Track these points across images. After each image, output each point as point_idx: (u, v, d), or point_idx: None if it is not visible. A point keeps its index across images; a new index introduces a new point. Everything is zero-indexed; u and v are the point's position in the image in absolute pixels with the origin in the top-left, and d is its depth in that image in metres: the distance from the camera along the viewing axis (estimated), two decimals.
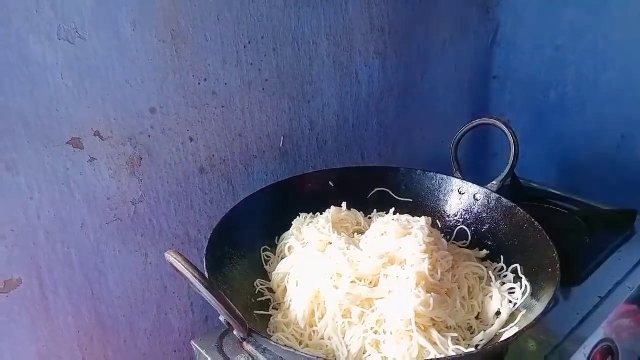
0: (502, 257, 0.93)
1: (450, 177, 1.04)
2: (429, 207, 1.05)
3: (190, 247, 1.05)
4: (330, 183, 1.07)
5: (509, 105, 1.60)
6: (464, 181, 1.03)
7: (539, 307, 0.75)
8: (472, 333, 0.81)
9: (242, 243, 0.92)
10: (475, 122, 1.04)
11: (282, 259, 0.94)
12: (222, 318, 0.70)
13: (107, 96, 0.86)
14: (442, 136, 1.47)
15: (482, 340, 0.78)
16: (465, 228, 1.00)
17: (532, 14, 1.46)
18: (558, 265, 0.79)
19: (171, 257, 0.65)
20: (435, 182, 1.05)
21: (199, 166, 1.02)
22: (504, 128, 0.98)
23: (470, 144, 1.53)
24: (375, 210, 1.06)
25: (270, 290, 0.91)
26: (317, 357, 0.66)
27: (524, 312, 0.79)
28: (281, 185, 1.04)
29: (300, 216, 1.00)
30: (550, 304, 0.73)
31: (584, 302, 0.96)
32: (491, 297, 0.85)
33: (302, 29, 1.09)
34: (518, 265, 0.89)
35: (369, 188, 1.07)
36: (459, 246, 0.98)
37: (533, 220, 0.89)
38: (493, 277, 0.89)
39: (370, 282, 0.83)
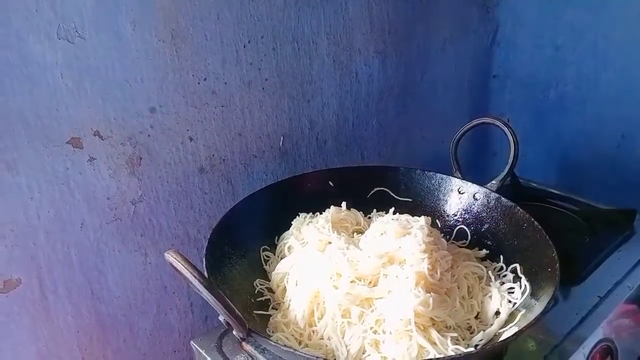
0: (501, 256, 0.93)
1: (450, 177, 1.04)
2: (429, 206, 1.05)
3: (189, 247, 1.05)
4: (330, 183, 1.07)
5: (508, 104, 1.60)
6: (464, 181, 1.03)
7: (538, 307, 0.75)
8: (471, 333, 0.81)
9: (242, 243, 0.92)
10: (474, 122, 1.04)
11: (281, 258, 0.94)
12: (221, 318, 0.70)
13: (106, 96, 0.86)
14: (441, 135, 1.47)
15: (481, 340, 0.78)
16: (465, 227, 1.00)
17: (531, 13, 1.46)
18: (557, 264, 0.79)
19: (171, 257, 0.65)
20: (435, 181, 1.05)
21: (198, 166, 1.02)
22: (504, 127, 0.98)
23: (469, 143, 1.53)
24: (374, 210, 1.06)
25: (270, 290, 0.91)
26: (317, 357, 0.66)
27: (523, 311, 0.79)
28: (281, 185, 1.04)
29: (300, 216, 1.00)
30: (550, 303, 0.73)
31: (584, 302, 0.96)
32: (490, 296, 0.85)
33: (301, 29, 1.09)
34: (517, 265, 0.89)
35: (368, 188, 1.07)
36: (458, 246, 0.98)
37: (532, 219, 0.89)
38: (492, 277, 0.89)
39: (370, 282, 0.83)
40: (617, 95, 1.34)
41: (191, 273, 0.64)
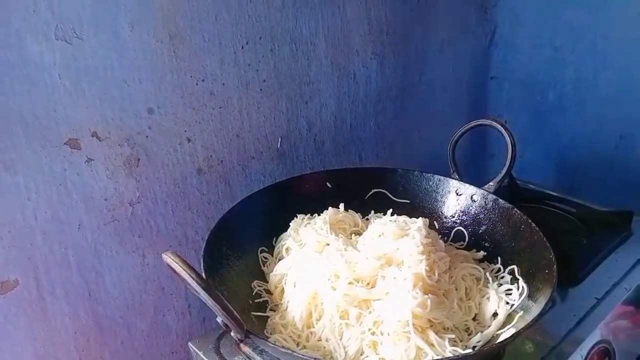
0: (499, 258, 0.93)
1: (448, 178, 1.04)
2: (426, 208, 1.05)
3: (187, 248, 1.05)
4: (328, 184, 1.07)
5: (506, 105, 1.60)
6: (461, 182, 1.03)
7: (535, 309, 0.75)
8: (469, 334, 0.81)
9: (240, 244, 0.92)
10: (472, 123, 1.04)
11: (279, 260, 0.94)
12: (219, 319, 0.70)
13: (104, 96, 0.86)
14: (439, 137, 1.47)
15: (479, 342, 0.78)
16: (463, 229, 1.00)
17: (530, 14, 1.46)
18: (555, 266, 0.79)
19: (168, 258, 0.65)
20: (433, 183, 1.05)
21: (196, 167, 1.01)
22: (501, 129, 0.98)
23: (467, 144, 1.53)
24: (372, 212, 1.06)
25: (268, 291, 0.91)
26: (315, 359, 0.66)
27: (520, 313, 0.79)
28: (278, 186, 1.04)
29: (298, 217, 1.00)
30: (547, 305, 0.73)
31: (581, 304, 0.96)
32: (488, 298, 0.85)
33: (299, 30, 1.09)
34: (515, 267, 0.89)
35: (366, 189, 1.07)
36: (456, 247, 0.98)
37: (530, 221, 0.89)
38: (490, 279, 0.89)
39: (368, 284, 0.83)
40: (616, 96, 1.34)
41: (189, 274, 0.64)
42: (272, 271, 0.92)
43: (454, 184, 1.03)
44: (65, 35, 0.80)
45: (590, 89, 1.39)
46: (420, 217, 0.94)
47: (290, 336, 0.80)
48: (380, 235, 0.90)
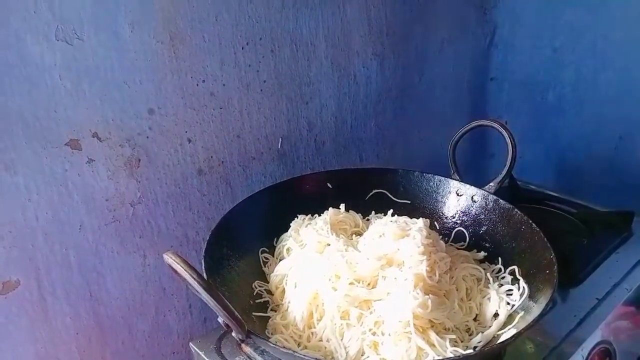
0: (499, 258, 0.93)
1: (448, 179, 1.04)
2: (427, 208, 1.05)
3: (188, 249, 1.05)
4: (328, 184, 1.07)
5: (506, 106, 1.61)
6: (462, 183, 1.03)
7: (536, 309, 0.75)
8: (470, 335, 0.81)
9: (241, 245, 0.92)
10: (472, 124, 1.04)
11: (280, 260, 0.94)
12: (220, 319, 0.70)
13: (105, 97, 0.86)
14: (439, 137, 1.47)
15: (480, 342, 0.78)
16: (463, 230, 1.01)
17: (530, 14, 1.46)
18: (555, 266, 0.79)
19: (170, 259, 0.65)
20: (433, 183, 1.05)
21: (197, 167, 1.02)
22: (501, 130, 0.98)
23: (468, 145, 1.54)
24: (373, 212, 1.06)
25: (269, 291, 0.91)
26: (316, 359, 0.66)
27: (521, 313, 0.79)
28: (279, 187, 1.04)
29: (299, 218, 1.00)
30: (548, 305, 0.73)
31: (582, 304, 0.96)
32: (489, 298, 0.85)
33: (300, 31, 1.09)
34: (516, 267, 0.89)
35: (366, 189, 1.07)
36: (456, 248, 0.98)
37: (530, 221, 0.89)
38: (491, 279, 0.90)
39: (369, 284, 0.83)
40: (616, 96, 1.34)
41: (190, 275, 0.64)
42: (273, 271, 0.92)
43: (454, 184, 1.03)
44: (65, 36, 0.80)
45: (590, 89, 1.39)
46: (421, 218, 0.94)
47: (292, 336, 0.80)
48: (381, 236, 0.90)
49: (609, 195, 1.36)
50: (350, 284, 0.81)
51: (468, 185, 1.02)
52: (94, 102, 0.85)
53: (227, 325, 0.69)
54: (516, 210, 0.93)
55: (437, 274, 0.83)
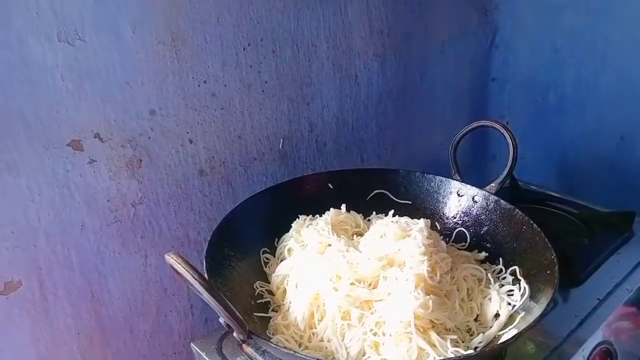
0: (500, 259, 0.93)
1: (449, 179, 1.04)
2: (428, 209, 1.05)
3: (189, 249, 1.05)
4: (330, 185, 1.07)
5: (507, 107, 1.61)
6: (463, 183, 1.03)
7: (537, 309, 0.76)
8: (470, 335, 0.81)
9: (242, 245, 0.92)
10: (473, 124, 1.05)
11: (281, 261, 0.95)
12: (221, 320, 0.70)
13: (107, 98, 0.87)
14: (440, 138, 1.47)
15: (480, 342, 0.79)
16: (464, 230, 1.01)
17: (530, 16, 1.46)
18: (556, 267, 0.79)
19: (171, 259, 0.65)
20: (434, 184, 1.05)
21: (198, 168, 1.02)
22: (502, 130, 0.98)
23: (469, 145, 1.54)
24: (374, 212, 1.06)
25: (270, 292, 0.91)
26: (317, 359, 0.66)
27: (522, 314, 0.79)
28: (280, 187, 1.04)
29: (300, 218, 1.00)
30: (549, 306, 0.73)
31: (583, 304, 0.96)
32: (490, 299, 0.85)
33: (301, 31, 1.09)
34: (517, 267, 0.89)
35: (368, 190, 1.07)
36: (457, 248, 0.99)
37: (531, 222, 0.89)
38: (492, 279, 0.90)
39: (370, 284, 0.83)
40: (616, 97, 1.34)
41: (191, 275, 0.64)
42: (274, 272, 0.92)
43: (455, 185, 1.03)
44: (67, 37, 0.80)
45: (590, 90, 1.39)
46: (422, 218, 0.94)
47: (293, 337, 0.80)
48: (382, 236, 0.90)
49: (610, 195, 1.36)
50: (352, 284, 0.81)
51: (469, 186, 1.02)
52: (96, 103, 0.86)
53: (228, 326, 0.70)
54: (517, 210, 0.93)
55: (438, 275, 0.83)
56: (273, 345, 0.70)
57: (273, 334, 0.82)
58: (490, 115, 1.61)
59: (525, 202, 1.20)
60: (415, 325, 0.74)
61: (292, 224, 0.99)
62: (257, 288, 0.90)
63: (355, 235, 0.98)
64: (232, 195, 1.08)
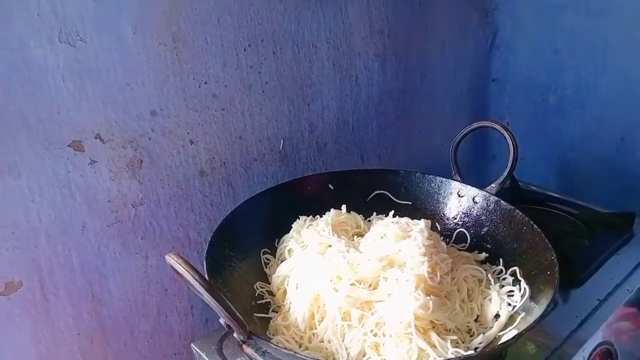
0: (501, 259, 0.93)
1: (450, 180, 1.04)
2: (428, 209, 1.05)
3: (190, 250, 1.05)
4: (330, 186, 1.07)
5: (508, 108, 1.61)
6: (463, 184, 1.03)
7: (537, 310, 0.76)
8: (471, 336, 0.81)
9: (242, 246, 0.92)
10: (474, 125, 1.04)
11: (281, 261, 0.95)
12: (222, 320, 0.70)
13: (107, 99, 0.87)
14: (441, 139, 1.47)
15: (481, 343, 0.79)
16: (465, 231, 1.01)
17: (531, 17, 1.46)
18: (557, 267, 0.79)
19: (172, 260, 0.65)
20: (435, 184, 1.05)
21: (199, 169, 1.02)
22: (503, 131, 0.98)
23: (469, 146, 1.54)
24: (374, 213, 1.06)
25: (270, 293, 0.91)
26: None
27: (522, 314, 0.79)
28: (281, 188, 1.04)
29: (300, 219, 1.00)
30: (549, 306, 0.73)
31: (583, 305, 0.96)
32: (490, 299, 0.85)
33: (301, 32, 1.09)
34: (517, 268, 0.89)
35: (368, 191, 1.08)
36: (458, 249, 0.99)
37: (532, 223, 0.89)
38: (492, 280, 0.90)
39: (370, 285, 0.83)
40: (617, 98, 1.34)
41: (192, 275, 0.64)
42: (274, 273, 0.92)
43: (455, 185, 1.04)
44: (68, 38, 0.80)
45: (590, 91, 1.39)
46: (422, 219, 0.94)
47: (293, 337, 0.80)
48: (382, 237, 0.90)
49: (610, 196, 1.36)
50: (352, 285, 0.81)
51: (469, 187, 1.02)
52: (97, 104, 0.86)
53: (228, 326, 0.70)
54: (517, 211, 0.93)
55: (438, 275, 0.83)
56: (273, 346, 0.70)
57: (273, 335, 0.82)
58: (491, 116, 1.61)
59: (525, 202, 1.21)
60: (415, 326, 0.74)
61: (293, 225, 0.99)
62: (258, 289, 0.90)
63: (355, 236, 0.98)
64: (232, 196, 1.08)
